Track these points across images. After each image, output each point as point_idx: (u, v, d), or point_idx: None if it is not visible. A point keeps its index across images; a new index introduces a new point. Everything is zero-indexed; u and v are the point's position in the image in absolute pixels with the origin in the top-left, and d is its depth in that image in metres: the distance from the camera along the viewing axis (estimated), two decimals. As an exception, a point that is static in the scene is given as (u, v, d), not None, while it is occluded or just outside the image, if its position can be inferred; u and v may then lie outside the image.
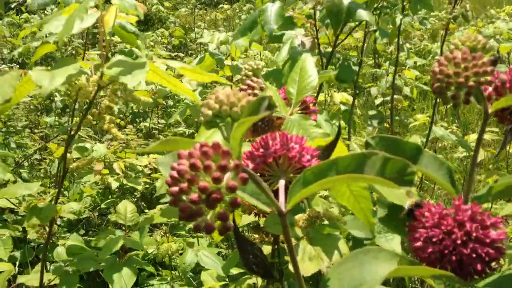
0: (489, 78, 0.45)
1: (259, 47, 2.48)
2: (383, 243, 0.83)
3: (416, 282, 1.68)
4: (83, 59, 1.83)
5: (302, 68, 0.64)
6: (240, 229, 0.58)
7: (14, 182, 1.72)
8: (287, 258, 0.64)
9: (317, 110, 0.69)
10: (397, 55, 1.97)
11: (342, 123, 2.11)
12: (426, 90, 3.27)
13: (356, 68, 1.68)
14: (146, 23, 4.95)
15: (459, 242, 0.43)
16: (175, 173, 0.32)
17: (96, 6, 0.81)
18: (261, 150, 0.44)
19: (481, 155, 2.34)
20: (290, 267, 0.62)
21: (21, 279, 1.28)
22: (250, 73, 0.75)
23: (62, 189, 1.88)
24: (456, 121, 3.11)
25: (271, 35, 1.34)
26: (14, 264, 1.54)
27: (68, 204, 1.42)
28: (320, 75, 0.58)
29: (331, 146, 0.49)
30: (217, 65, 1.95)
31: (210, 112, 0.37)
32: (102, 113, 0.92)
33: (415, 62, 3.79)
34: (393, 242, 0.82)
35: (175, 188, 0.32)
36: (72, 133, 1.63)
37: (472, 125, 3.37)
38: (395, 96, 3.03)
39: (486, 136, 2.48)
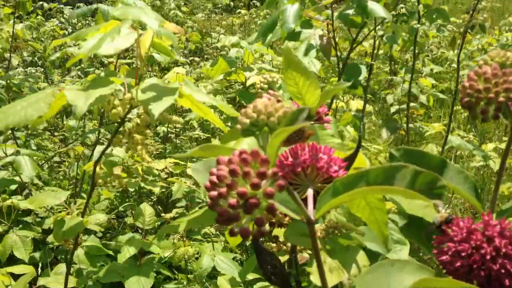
0: None
1: (271, 52, 2.50)
2: (391, 254, 0.84)
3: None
4: (115, 68, 1.86)
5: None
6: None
7: (35, 185, 1.75)
8: (308, 269, 0.65)
9: (330, 121, 0.70)
10: (413, 62, 1.98)
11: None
12: (442, 98, 3.25)
13: (363, 67, 1.68)
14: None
15: (488, 257, 0.43)
16: (214, 178, 0.34)
17: (134, 28, 0.83)
18: (290, 159, 0.45)
19: (498, 164, 2.32)
20: (312, 278, 0.63)
21: (41, 281, 1.31)
22: (266, 86, 0.77)
23: (80, 192, 1.91)
24: (473, 130, 3.08)
25: (289, 33, 1.36)
26: (35, 266, 1.57)
27: (95, 215, 1.44)
28: (335, 86, 0.59)
29: (352, 157, 0.50)
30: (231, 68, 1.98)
31: (247, 121, 0.38)
32: (132, 132, 0.93)
33: (431, 70, 3.77)
34: (401, 252, 0.83)
35: (214, 193, 0.33)
36: (91, 137, 1.64)
37: (489, 134, 3.35)
38: (411, 104, 3.02)
39: (504, 146, 2.46)
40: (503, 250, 0.44)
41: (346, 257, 0.64)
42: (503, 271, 0.43)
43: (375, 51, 2.25)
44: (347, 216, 0.79)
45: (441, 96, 2.94)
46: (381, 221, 0.57)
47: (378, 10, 1.34)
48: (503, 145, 2.42)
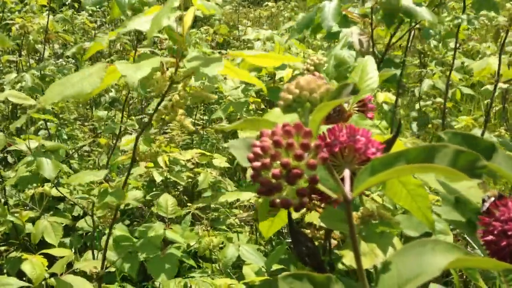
0: None
1: (302, 47, 2.48)
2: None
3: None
4: (134, 55, 1.89)
5: (363, 69, 0.64)
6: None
7: (66, 173, 1.80)
8: (341, 252, 0.65)
9: (374, 108, 0.69)
10: (453, 57, 1.93)
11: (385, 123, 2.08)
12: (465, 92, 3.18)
13: (397, 69, 1.67)
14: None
15: None
16: (258, 149, 0.34)
17: (179, 7, 0.87)
18: (328, 140, 0.45)
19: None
20: (345, 260, 0.63)
21: (77, 265, 1.35)
22: (312, 67, 0.76)
23: (109, 181, 1.95)
24: (504, 124, 3.00)
25: (328, 32, 1.37)
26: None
27: (133, 192, 1.49)
28: (381, 73, 0.59)
29: (391, 142, 0.50)
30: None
31: (290, 96, 0.39)
32: (175, 106, 0.99)
33: (462, 63, 3.68)
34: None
35: (258, 163, 0.34)
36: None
37: (522, 128, 3.25)
38: (438, 99, 2.96)
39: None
40: None
41: (381, 242, 0.64)
42: None
43: (408, 44, 2.21)
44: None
45: (466, 91, 2.87)
46: (423, 207, 0.57)
47: (425, 13, 1.35)
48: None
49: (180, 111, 1.02)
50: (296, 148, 0.34)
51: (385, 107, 2.44)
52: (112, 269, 1.53)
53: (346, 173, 0.43)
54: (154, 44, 3.84)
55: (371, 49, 1.50)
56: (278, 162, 0.33)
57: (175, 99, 1.01)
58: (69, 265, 1.32)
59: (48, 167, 1.43)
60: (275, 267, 1.37)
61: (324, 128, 0.50)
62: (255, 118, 0.38)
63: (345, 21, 1.48)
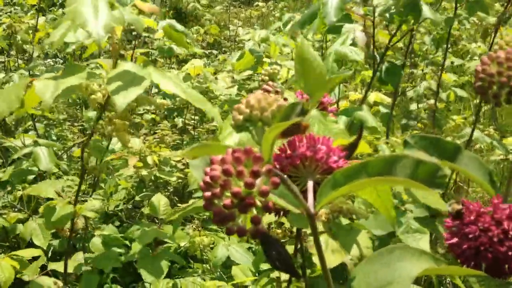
0: None
1: (284, 59, 2.48)
2: (411, 242, 0.83)
3: (448, 284, 1.65)
4: (131, 59, 1.88)
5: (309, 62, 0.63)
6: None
7: (54, 174, 1.79)
8: (311, 251, 0.65)
9: (335, 110, 0.69)
10: (444, 57, 1.94)
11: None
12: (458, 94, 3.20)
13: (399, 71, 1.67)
14: (182, 20, 5.02)
15: (495, 239, 0.43)
16: (208, 179, 0.33)
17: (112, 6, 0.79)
18: (288, 152, 0.45)
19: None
20: (314, 258, 0.63)
21: (52, 266, 1.33)
22: (267, 78, 0.77)
23: (99, 182, 1.94)
24: (493, 123, 3.03)
25: (330, 26, 1.36)
26: (54, 254, 1.60)
27: (91, 202, 1.45)
28: (335, 74, 0.59)
29: (354, 145, 0.50)
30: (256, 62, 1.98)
31: (241, 117, 0.38)
32: (113, 119, 0.91)
33: (452, 62, 3.71)
34: (421, 241, 0.82)
35: (208, 193, 0.33)
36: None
37: (510, 127, 3.28)
38: (431, 100, 2.98)
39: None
40: (511, 233, 0.43)
41: (347, 239, 0.64)
42: (510, 253, 0.43)
43: (409, 46, 2.22)
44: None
45: (459, 93, 2.89)
46: (387, 202, 0.57)
47: (427, 12, 1.35)
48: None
49: (120, 123, 0.93)
50: (246, 176, 0.33)
51: (382, 109, 2.45)
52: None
53: (309, 185, 0.43)
54: (145, 44, 3.83)
55: (371, 47, 1.50)
56: (229, 191, 0.33)
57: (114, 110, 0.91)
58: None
59: (44, 158, 1.41)
60: (265, 266, 1.37)
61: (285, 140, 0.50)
62: (205, 144, 0.38)
63: (347, 18, 1.48)
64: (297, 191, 0.38)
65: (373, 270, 0.41)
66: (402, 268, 0.40)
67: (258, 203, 0.33)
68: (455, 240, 0.46)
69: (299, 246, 0.75)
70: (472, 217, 0.45)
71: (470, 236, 0.45)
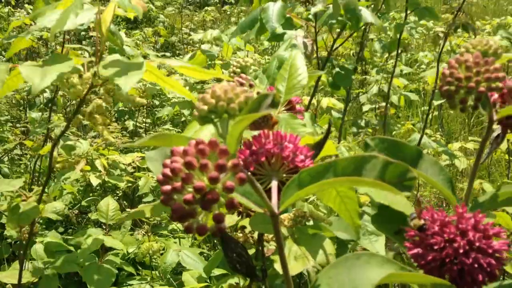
0: (500, 84, 0.45)
1: (251, 48, 2.47)
2: (367, 244, 0.82)
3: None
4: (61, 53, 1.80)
5: (292, 65, 0.62)
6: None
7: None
8: (273, 257, 0.63)
9: (303, 110, 0.68)
10: (395, 61, 1.98)
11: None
12: (411, 99, 3.30)
13: (350, 75, 1.69)
14: (135, 21, 4.92)
15: (461, 251, 0.42)
16: (168, 171, 0.31)
17: (92, 2, 0.79)
18: (254, 148, 0.43)
19: (463, 163, 2.36)
20: (276, 266, 0.61)
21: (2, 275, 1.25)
22: (239, 70, 0.74)
23: (40, 185, 1.85)
24: (440, 129, 3.13)
25: (272, 33, 1.36)
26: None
27: (52, 203, 1.37)
28: (310, 74, 0.57)
29: (320, 145, 0.48)
30: (208, 63, 1.95)
31: (205, 107, 0.35)
32: (93, 113, 0.88)
33: (401, 71, 3.82)
34: (377, 244, 0.81)
35: (167, 187, 0.30)
36: (56, 131, 1.58)
37: (455, 134, 3.41)
38: (382, 104, 3.05)
39: (469, 145, 2.50)
40: (477, 244, 0.42)
41: (312, 245, 0.62)
42: (476, 265, 0.41)
43: (360, 53, 2.26)
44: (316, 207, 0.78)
45: (412, 97, 2.97)
46: (352, 210, 0.56)
47: (368, 16, 1.37)
48: (468, 145, 2.46)
49: (101, 119, 0.91)
50: (210, 170, 0.31)
51: (335, 114, 2.47)
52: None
53: (274, 184, 0.41)
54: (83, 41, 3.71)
55: (314, 54, 1.51)
56: (191, 185, 0.30)
57: (95, 103, 0.91)
58: None
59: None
60: (217, 271, 1.33)
61: (249, 134, 0.48)
62: (166, 134, 0.35)
63: (289, 24, 1.48)
64: (261, 189, 0.36)
65: (337, 274, 0.40)
66: (365, 273, 0.39)
67: (222, 199, 0.31)
68: (418, 250, 0.44)
69: (260, 251, 0.73)
70: (436, 227, 0.44)
71: (435, 247, 0.43)
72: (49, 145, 1.61)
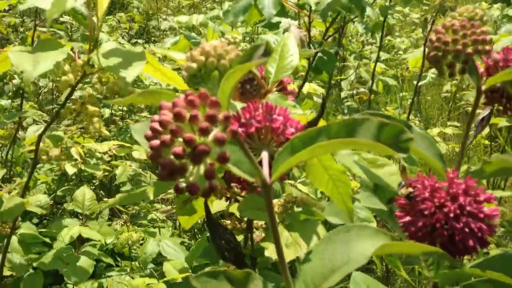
0: (487, 47, 0.43)
1: (238, 33, 2.42)
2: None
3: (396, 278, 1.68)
4: (32, 38, 1.72)
5: (284, 46, 0.60)
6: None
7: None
8: (262, 244, 0.60)
9: (295, 92, 0.65)
10: (379, 47, 1.97)
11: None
12: (390, 85, 3.32)
13: (334, 60, 1.69)
14: (108, 7, 4.78)
15: (451, 215, 0.41)
16: (156, 125, 0.28)
17: None
18: (243, 119, 0.40)
19: (443, 148, 2.38)
20: (267, 252, 0.58)
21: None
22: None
23: (14, 176, 1.78)
24: (418, 115, 3.16)
25: (269, 21, 1.36)
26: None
27: (35, 196, 1.31)
28: (301, 52, 0.55)
29: (314, 122, 0.46)
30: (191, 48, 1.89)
31: (194, 65, 0.32)
32: (85, 103, 0.84)
33: (379, 57, 3.83)
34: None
35: (156, 141, 0.28)
36: (28, 120, 1.51)
37: (433, 119, 3.45)
38: (361, 89, 3.05)
39: (448, 130, 2.52)
40: (468, 208, 0.41)
41: (304, 230, 0.59)
42: (467, 230, 0.41)
43: (341, 37, 2.24)
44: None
45: (391, 82, 2.98)
46: (345, 194, 0.54)
47: (369, 11, 1.42)
48: (447, 130, 2.48)
49: (93, 109, 0.88)
50: (201, 121, 0.29)
51: (316, 99, 2.46)
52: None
53: (264, 155, 0.39)
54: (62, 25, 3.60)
55: (307, 41, 1.51)
56: (181, 138, 0.28)
57: (87, 92, 0.88)
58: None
59: None
60: (200, 262, 1.30)
61: (238, 106, 0.45)
62: (154, 90, 0.33)
63: (283, 12, 1.48)
64: (253, 156, 0.33)
65: (329, 248, 0.39)
66: (359, 246, 0.38)
67: (213, 153, 0.29)
68: (408, 218, 0.44)
69: (249, 238, 0.70)
70: (426, 193, 0.43)
71: (426, 212, 0.42)
72: (34, 136, 1.54)
